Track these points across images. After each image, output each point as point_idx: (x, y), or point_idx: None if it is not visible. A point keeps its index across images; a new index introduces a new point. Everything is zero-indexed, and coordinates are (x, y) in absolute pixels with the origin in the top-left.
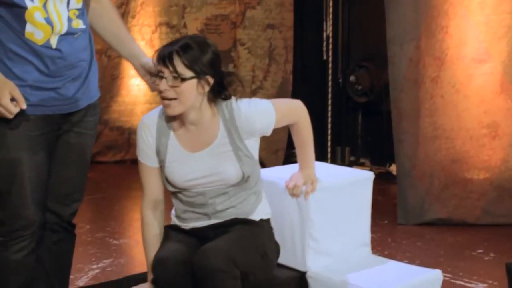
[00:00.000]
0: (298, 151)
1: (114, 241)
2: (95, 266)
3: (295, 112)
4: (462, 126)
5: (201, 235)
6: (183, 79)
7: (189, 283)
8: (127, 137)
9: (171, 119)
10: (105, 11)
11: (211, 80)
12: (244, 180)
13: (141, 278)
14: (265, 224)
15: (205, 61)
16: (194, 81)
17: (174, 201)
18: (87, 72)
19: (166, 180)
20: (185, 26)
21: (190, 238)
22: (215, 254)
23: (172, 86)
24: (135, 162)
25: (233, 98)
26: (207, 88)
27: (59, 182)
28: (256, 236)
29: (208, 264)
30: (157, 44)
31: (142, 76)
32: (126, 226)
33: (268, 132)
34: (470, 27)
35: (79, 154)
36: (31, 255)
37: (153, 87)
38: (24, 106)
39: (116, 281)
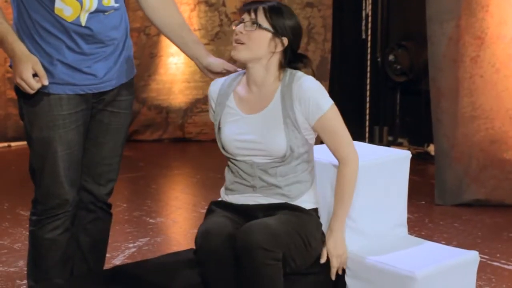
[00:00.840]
0: (334, 204)
1: (151, 220)
2: (131, 245)
3: (343, 141)
4: (501, 106)
5: (250, 214)
6: (260, 26)
7: (232, 258)
8: (165, 116)
9: (238, 81)
10: (165, 7)
11: (285, 42)
12: (290, 155)
13: (178, 256)
14: (313, 214)
15: (286, 24)
16: (269, 34)
17: (226, 172)
18: (120, 51)
19: (220, 143)
20: (223, 4)
21: (237, 216)
22: (260, 231)
23: (247, 31)
24: (172, 141)
25: (301, 71)
26: (279, 48)
27: (93, 161)
28: (304, 223)
29: (252, 239)
30: (196, 23)
31: (207, 75)
32: (163, 205)
33: (310, 120)
34: (511, 6)
35: (113, 133)
36: (65, 233)
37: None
38: (46, 82)
39: (152, 259)
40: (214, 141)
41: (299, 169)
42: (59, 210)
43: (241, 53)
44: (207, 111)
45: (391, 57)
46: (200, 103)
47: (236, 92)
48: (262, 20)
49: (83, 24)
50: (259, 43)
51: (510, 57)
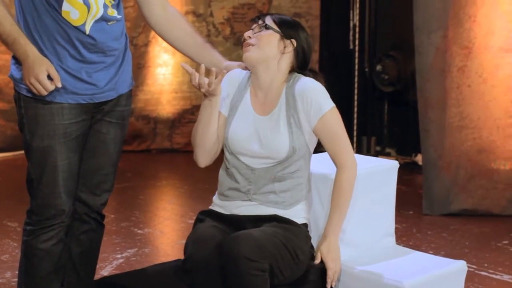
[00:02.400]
0: (330, 210)
1: (139, 231)
2: (119, 256)
3: (343, 145)
4: (489, 116)
5: (238, 225)
6: (267, 27)
7: (220, 267)
8: (152, 126)
9: (252, 81)
10: (175, 20)
11: (294, 43)
12: (291, 156)
13: (166, 266)
14: (303, 227)
15: (294, 27)
16: (277, 35)
17: (221, 176)
18: (121, 62)
19: (226, 139)
20: (211, 14)
21: (226, 226)
22: (245, 241)
23: (256, 33)
24: (160, 151)
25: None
26: (288, 49)
27: (90, 171)
28: (291, 236)
29: (237, 249)
30: None
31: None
32: (150, 216)
33: (312, 120)
34: (498, 16)
35: (110, 144)
36: (59, 244)
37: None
38: (60, 84)
39: (140, 270)
40: None
41: (297, 175)
42: (54, 221)
43: (253, 53)
44: (195, 121)
45: (378, 67)
46: (188, 114)
47: (251, 91)
48: (271, 23)
49: (87, 31)
50: (268, 43)
51: (497, 67)
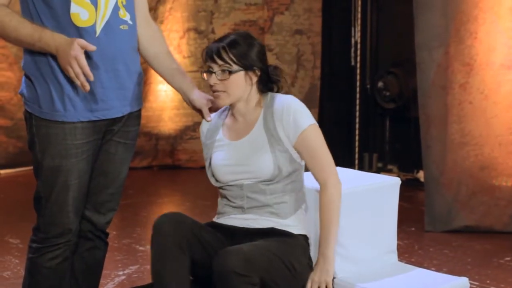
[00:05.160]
0: (320, 231)
1: (141, 248)
2: (121, 273)
3: (323, 164)
4: (490, 132)
5: (236, 238)
6: (231, 72)
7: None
8: (154, 143)
9: (226, 114)
10: (155, 36)
11: (258, 72)
12: (278, 174)
13: None
14: (300, 238)
15: (252, 54)
16: (242, 73)
17: (219, 202)
18: (132, 77)
19: (210, 173)
20: (213, 31)
21: (224, 237)
22: (235, 256)
23: (221, 80)
24: (162, 168)
25: (281, 91)
26: (254, 79)
27: (96, 190)
28: (287, 248)
29: (226, 264)
30: (185, 50)
31: (191, 107)
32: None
33: (291, 138)
34: (500, 33)
35: (118, 163)
36: (64, 263)
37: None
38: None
39: (142, 287)
40: (203, 168)
41: (289, 189)
42: (61, 240)
43: (225, 101)
44: (197, 138)
45: (380, 84)
46: (190, 130)
47: (224, 124)
48: (229, 62)
49: (97, 33)
50: (237, 86)
51: (499, 84)
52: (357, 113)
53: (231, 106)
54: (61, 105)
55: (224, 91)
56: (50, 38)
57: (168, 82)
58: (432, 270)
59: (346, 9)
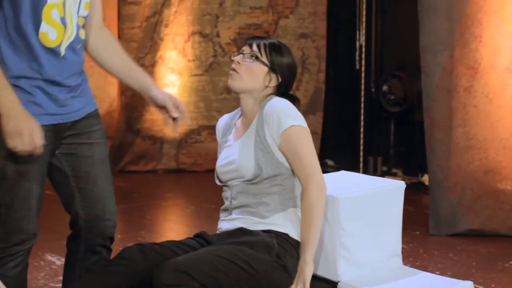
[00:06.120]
0: (301, 235)
1: None
2: None
3: (304, 166)
4: (495, 136)
5: (208, 243)
6: (257, 59)
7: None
8: (159, 147)
9: (238, 114)
10: (109, 41)
11: (279, 79)
12: (259, 174)
13: None
14: (266, 236)
15: (284, 61)
16: (265, 69)
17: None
18: (85, 83)
19: (216, 174)
20: (218, 35)
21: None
22: (165, 269)
23: (245, 62)
24: (166, 171)
25: None
26: (273, 83)
27: (93, 198)
28: (245, 248)
29: (159, 279)
30: (190, 53)
31: (153, 106)
32: (157, 236)
33: (275, 138)
34: (504, 36)
35: (100, 164)
36: (25, 269)
37: (165, 121)
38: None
39: None
40: (208, 171)
41: (272, 191)
42: (23, 246)
43: (235, 82)
44: (201, 141)
45: (385, 88)
46: (194, 134)
47: (235, 125)
48: (261, 53)
49: (62, 53)
50: (255, 75)
51: (504, 87)
52: (362, 117)
53: (241, 102)
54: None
55: (239, 73)
56: (9, 96)
57: (128, 84)
58: (437, 273)
59: (351, 12)
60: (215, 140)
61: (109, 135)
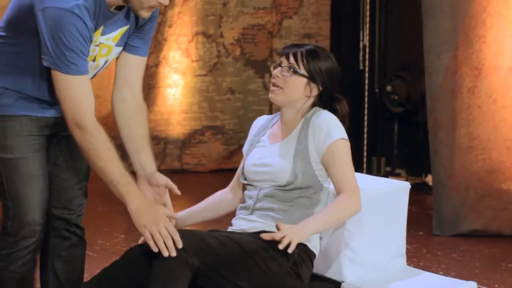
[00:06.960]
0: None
1: None
2: None
3: (348, 178)
4: (499, 136)
5: None
6: (295, 72)
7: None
8: (162, 147)
9: (276, 118)
10: (135, 112)
11: (320, 87)
12: (293, 182)
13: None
14: (261, 239)
15: (323, 68)
16: (304, 80)
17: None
18: None
19: (241, 170)
20: (221, 35)
21: None
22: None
23: (284, 75)
24: (171, 172)
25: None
26: (314, 92)
27: (64, 187)
28: (265, 245)
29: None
30: (193, 54)
31: (144, 188)
32: None
33: (320, 148)
34: (508, 37)
35: (80, 157)
36: (34, 268)
37: (157, 200)
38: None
39: None
40: (211, 172)
41: (300, 202)
42: (31, 239)
43: (278, 97)
44: (205, 142)
45: (388, 88)
46: (198, 134)
47: (272, 128)
48: (299, 65)
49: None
50: (295, 88)
51: (507, 88)
52: (366, 117)
53: (281, 111)
54: (14, 100)
55: (281, 88)
56: (135, 191)
57: (130, 156)
58: (440, 274)
59: (354, 13)
60: (218, 140)
61: (112, 135)
